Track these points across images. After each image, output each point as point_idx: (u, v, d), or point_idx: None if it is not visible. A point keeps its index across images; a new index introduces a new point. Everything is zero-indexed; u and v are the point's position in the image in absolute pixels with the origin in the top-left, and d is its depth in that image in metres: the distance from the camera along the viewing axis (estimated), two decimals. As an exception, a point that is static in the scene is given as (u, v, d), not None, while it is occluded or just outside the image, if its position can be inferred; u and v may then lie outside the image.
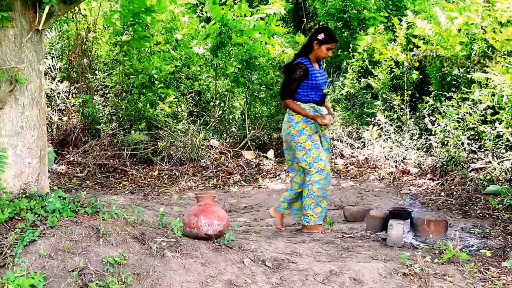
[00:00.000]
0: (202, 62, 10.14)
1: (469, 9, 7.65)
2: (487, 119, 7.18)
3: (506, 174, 6.59)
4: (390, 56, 8.92)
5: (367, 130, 8.77)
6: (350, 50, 10.23)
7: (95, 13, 9.48)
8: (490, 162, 7.09)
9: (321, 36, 5.15)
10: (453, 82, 8.23)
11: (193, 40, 9.57)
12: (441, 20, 7.86)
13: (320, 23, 13.16)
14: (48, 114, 9.14)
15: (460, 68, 7.80)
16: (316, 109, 5.17)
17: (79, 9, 9.10)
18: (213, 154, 8.71)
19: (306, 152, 5.07)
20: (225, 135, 9.61)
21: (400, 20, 9.07)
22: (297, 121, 5.13)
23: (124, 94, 9.34)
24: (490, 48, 7.34)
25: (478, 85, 7.23)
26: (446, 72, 8.13)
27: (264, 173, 8.28)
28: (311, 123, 5.12)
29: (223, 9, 9.11)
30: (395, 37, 9.13)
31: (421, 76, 9.03)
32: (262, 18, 9.34)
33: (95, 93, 9.66)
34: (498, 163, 6.92)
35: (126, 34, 8.84)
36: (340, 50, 11.53)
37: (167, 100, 9.29)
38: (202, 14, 10.54)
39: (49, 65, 10.06)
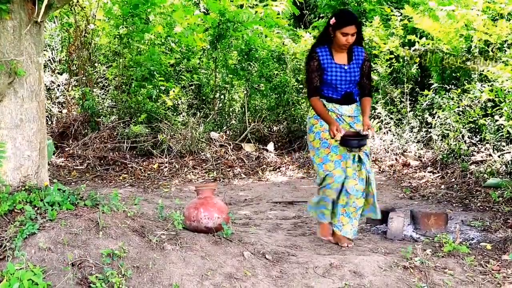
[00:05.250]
0: (200, 54, 10.13)
1: (467, 3, 7.61)
2: (488, 112, 7.17)
3: (506, 167, 6.58)
4: (388, 49, 8.89)
5: None
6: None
7: (94, 5, 9.45)
8: (490, 155, 7.08)
9: (332, 20, 4.30)
10: (453, 75, 8.21)
11: (193, 32, 9.54)
12: (439, 15, 7.83)
13: (320, 15, 13.12)
14: (47, 107, 9.13)
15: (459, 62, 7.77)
16: (333, 107, 4.42)
17: (78, 1, 9.07)
18: (213, 147, 8.70)
19: (315, 152, 4.42)
20: (225, 127, 9.60)
21: (396, 10, 9.05)
22: (309, 116, 4.50)
23: (124, 86, 9.33)
24: (489, 41, 7.33)
25: (479, 78, 7.22)
26: (446, 66, 8.11)
27: (265, 166, 8.28)
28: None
29: (221, 2, 9.09)
30: (394, 28, 9.10)
31: (419, 70, 9.00)
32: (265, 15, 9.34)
33: (95, 85, 9.64)
34: (499, 156, 6.91)
35: (124, 27, 8.82)
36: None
37: (171, 92, 9.30)
38: (204, 8, 10.52)
39: (49, 57, 10.03)
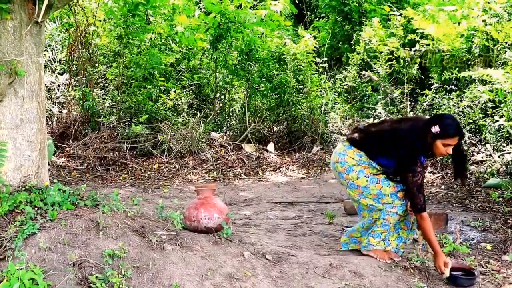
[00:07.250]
0: (200, 54, 10.14)
1: (469, 3, 7.61)
2: (488, 112, 7.17)
3: (506, 167, 6.58)
4: (389, 49, 8.88)
5: (367, 123, 8.76)
6: (351, 43, 10.19)
7: (94, 5, 9.45)
8: (490, 155, 7.08)
9: (435, 129, 3.84)
10: (454, 76, 8.21)
11: (195, 32, 9.55)
12: (440, 17, 7.84)
13: (321, 15, 13.13)
14: (48, 107, 9.13)
15: (459, 65, 7.76)
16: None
17: (78, 1, 9.07)
18: (213, 147, 8.70)
19: (363, 190, 4.09)
20: (225, 128, 9.60)
21: (397, 10, 9.07)
22: (346, 161, 4.12)
23: (124, 86, 9.33)
24: (491, 41, 7.31)
25: (480, 81, 7.21)
26: (446, 67, 8.11)
27: (265, 166, 8.28)
28: (362, 163, 4.10)
29: (222, 2, 9.10)
30: (395, 28, 9.10)
31: (420, 70, 9.01)
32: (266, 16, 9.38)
33: (95, 85, 9.64)
34: (499, 156, 6.91)
35: (123, 27, 8.82)
36: (340, 43, 11.53)
37: (172, 93, 9.30)
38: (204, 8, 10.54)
39: (49, 57, 10.03)
